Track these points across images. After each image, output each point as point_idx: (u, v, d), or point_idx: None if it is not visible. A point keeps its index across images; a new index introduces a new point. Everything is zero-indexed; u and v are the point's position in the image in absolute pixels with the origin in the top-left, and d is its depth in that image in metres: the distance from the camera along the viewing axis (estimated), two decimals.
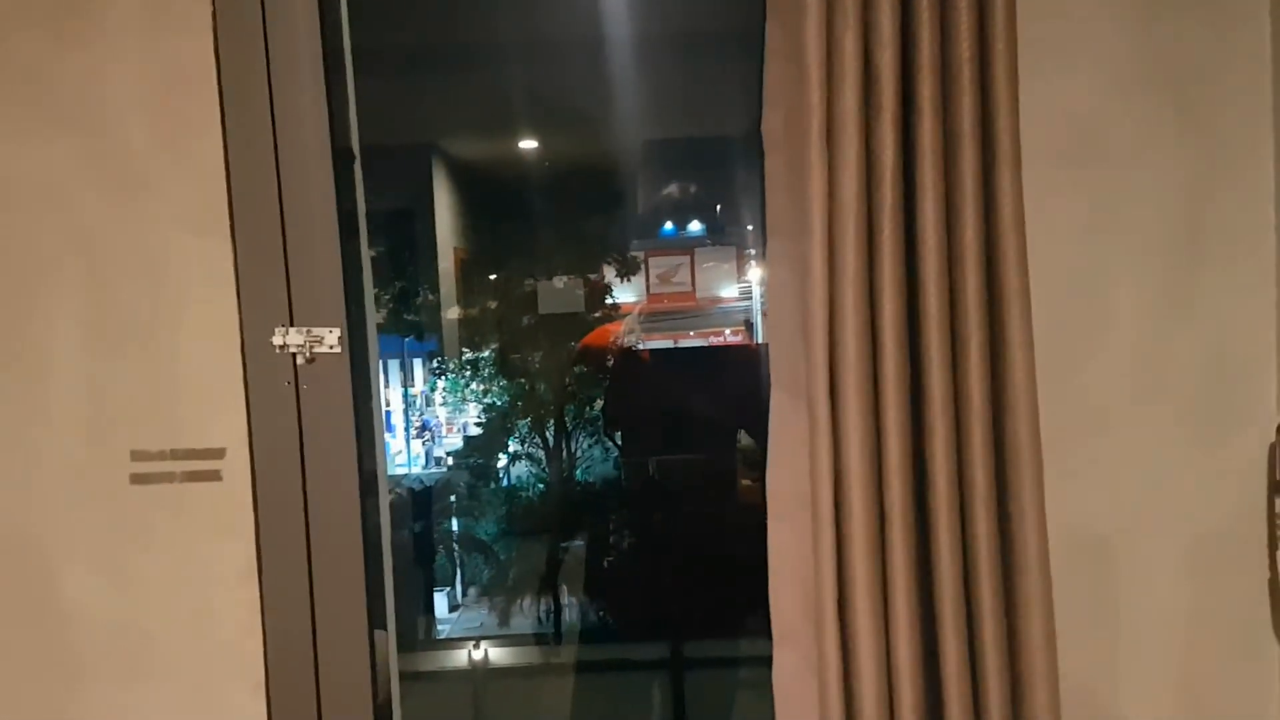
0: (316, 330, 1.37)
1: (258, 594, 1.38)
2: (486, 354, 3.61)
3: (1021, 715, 1.21)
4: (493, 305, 3.61)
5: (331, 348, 1.37)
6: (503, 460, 3.66)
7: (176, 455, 1.37)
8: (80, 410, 1.37)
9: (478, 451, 3.66)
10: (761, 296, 6.25)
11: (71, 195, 1.36)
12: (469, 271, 3.69)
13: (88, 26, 1.34)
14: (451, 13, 2.48)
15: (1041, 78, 1.31)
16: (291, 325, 1.37)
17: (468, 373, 3.62)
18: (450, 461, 3.75)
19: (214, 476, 1.37)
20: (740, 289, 6.38)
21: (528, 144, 3.60)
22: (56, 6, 1.34)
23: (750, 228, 6.42)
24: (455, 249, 3.65)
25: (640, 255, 6.06)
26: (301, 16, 1.34)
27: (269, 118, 1.35)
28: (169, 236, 1.36)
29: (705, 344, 6.15)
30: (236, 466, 1.37)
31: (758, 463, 3.32)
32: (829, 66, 1.18)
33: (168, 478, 1.37)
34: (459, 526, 3.68)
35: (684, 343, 6.13)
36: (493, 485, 3.66)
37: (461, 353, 3.64)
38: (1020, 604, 1.21)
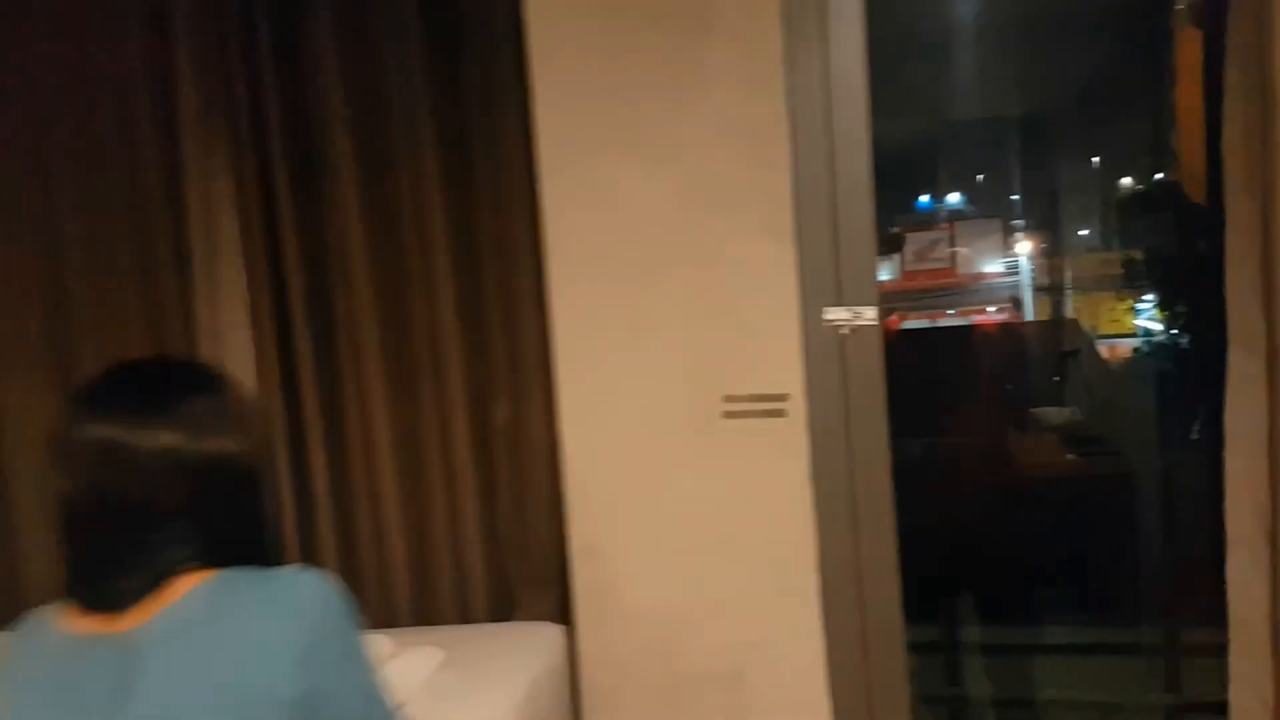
0: (857, 308, 1.87)
1: (811, 497, 1.90)
2: None
3: None
4: None
5: (868, 321, 1.88)
6: None
7: (754, 399, 1.90)
8: (685, 366, 1.92)
9: None
10: (1031, 271, 6.34)
11: (678, 214, 1.91)
12: None
13: (699, 97, 1.88)
14: None
15: None
16: (840, 305, 1.88)
17: None
18: None
19: (780, 414, 1.90)
20: (1006, 264, 6.46)
21: None
22: (676, 81, 1.89)
23: (1016, 197, 6.40)
24: None
25: (897, 230, 6.21)
26: (856, 89, 1.84)
27: (828, 154, 1.86)
28: (748, 242, 1.89)
29: (968, 322, 6.21)
30: (797, 407, 1.89)
31: (1076, 438, 3.53)
32: None
33: (749, 414, 1.90)
34: None
35: (943, 321, 6.21)
36: None
37: None
38: None
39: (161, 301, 2.44)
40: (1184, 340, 3.23)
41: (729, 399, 1.91)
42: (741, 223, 1.89)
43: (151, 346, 2.36)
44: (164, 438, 1.02)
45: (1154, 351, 3.77)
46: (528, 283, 2.06)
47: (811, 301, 1.89)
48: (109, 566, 1.01)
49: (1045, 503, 3.30)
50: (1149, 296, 4.12)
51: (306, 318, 2.26)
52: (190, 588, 1.01)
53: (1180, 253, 3.16)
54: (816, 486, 1.90)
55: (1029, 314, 5.96)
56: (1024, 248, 6.15)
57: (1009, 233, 6.24)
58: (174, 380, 1.11)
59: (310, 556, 2.19)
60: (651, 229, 1.92)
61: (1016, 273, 6.15)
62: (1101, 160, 5.61)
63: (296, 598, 1.01)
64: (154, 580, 1.00)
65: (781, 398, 1.90)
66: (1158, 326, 3.65)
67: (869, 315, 1.88)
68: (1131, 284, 4.57)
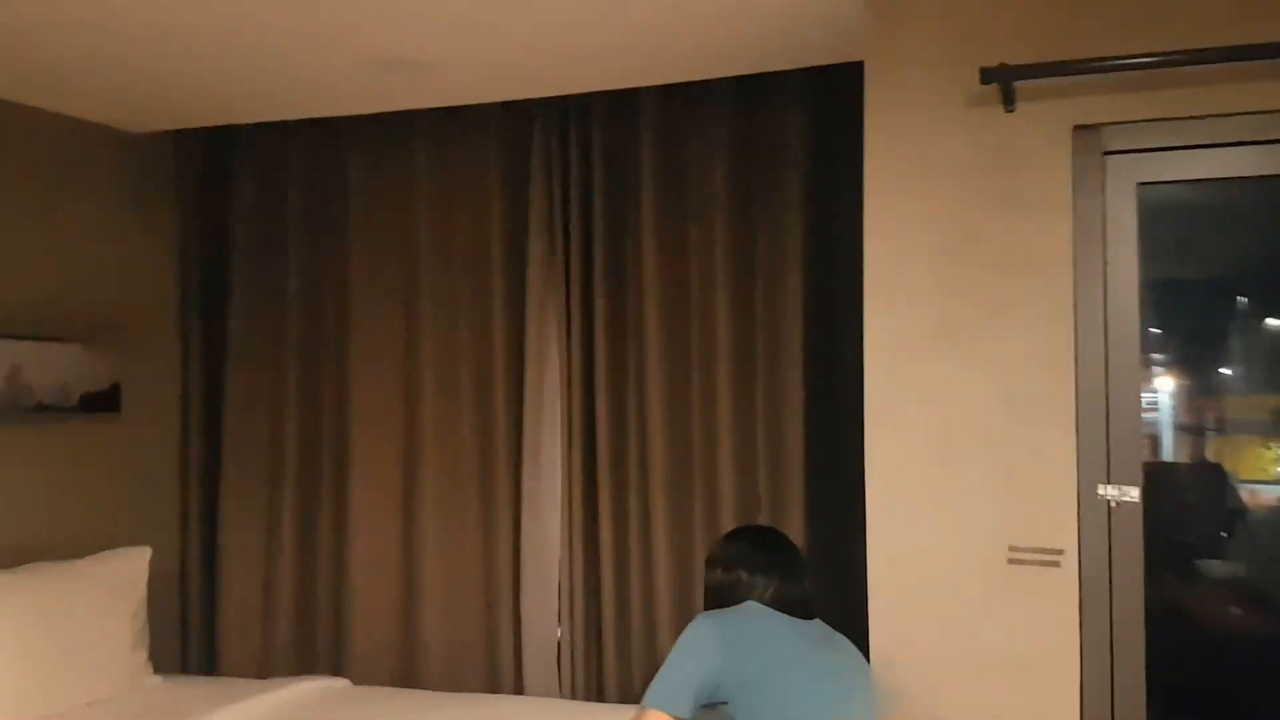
0: (1124, 487, 2.37)
1: (1078, 643, 2.38)
2: None
3: None
4: None
5: (1130, 499, 2.37)
6: None
7: (1035, 550, 2.40)
8: (980, 521, 2.43)
9: None
10: (1173, 409, 6.66)
11: (983, 407, 2.43)
12: None
13: (1007, 321, 2.41)
14: None
15: None
16: (1109, 483, 2.37)
17: None
18: None
19: (1056, 565, 2.38)
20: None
21: None
22: (989, 305, 2.42)
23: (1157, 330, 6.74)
24: None
25: None
26: (1130, 320, 2.35)
27: (1103, 366, 2.37)
28: (1039, 430, 2.40)
29: None
30: (1070, 561, 2.38)
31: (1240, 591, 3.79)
32: None
33: (1029, 562, 2.40)
34: None
35: None
36: None
37: None
38: None
39: (491, 415, 3.57)
40: None
41: (1013, 549, 2.41)
42: (1034, 415, 2.40)
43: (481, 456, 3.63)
44: None
45: None
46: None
47: (1086, 477, 2.38)
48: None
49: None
50: None
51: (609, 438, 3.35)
52: None
53: None
54: (1082, 627, 2.38)
55: (1167, 454, 6.23)
56: (1164, 383, 6.46)
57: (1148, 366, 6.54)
58: None
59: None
60: (959, 416, 2.44)
61: (1155, 409, 6.46)
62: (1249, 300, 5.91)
63: None
64: None
65: (1058, 551, 2.39)
66: None
67: (1133, 494, 2.37)
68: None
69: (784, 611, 2.16)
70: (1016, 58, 2.35)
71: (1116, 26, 2.32)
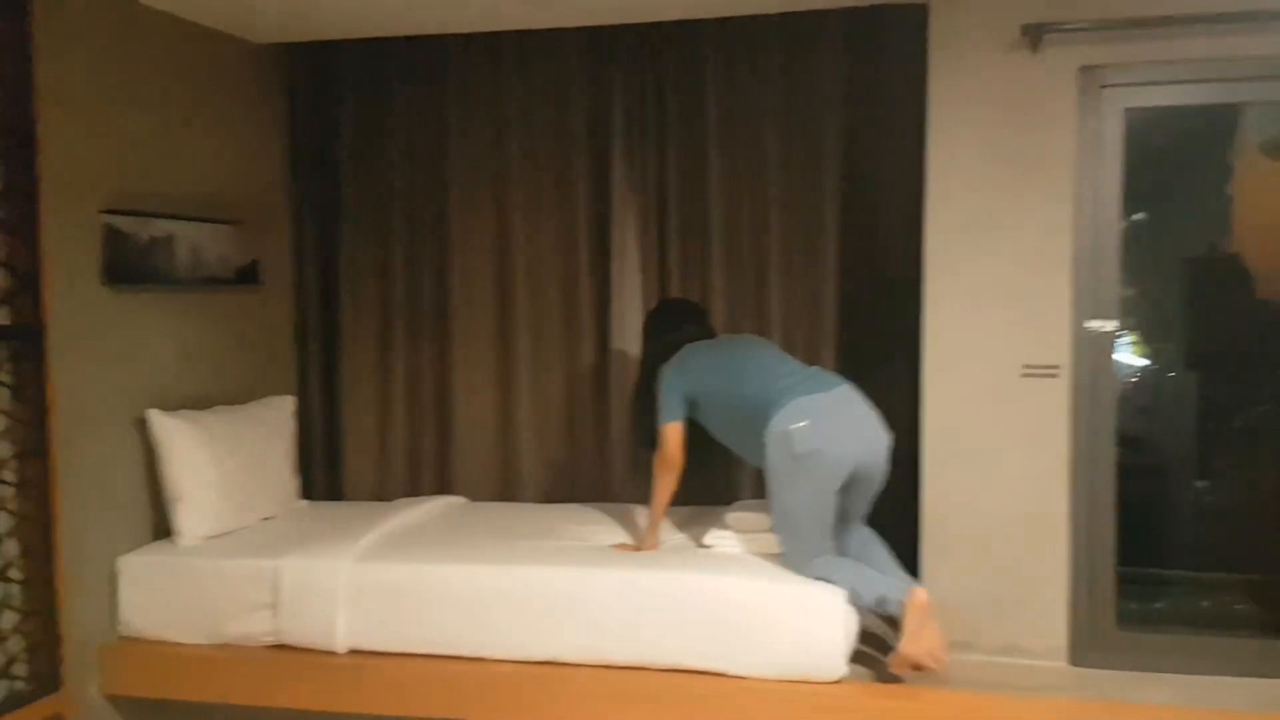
0: (1104, 321, 3.41)
1: (1068, 427, 3.43)
2: None
3: None
4: None
5: (1108, 329, 3.41)
6: None
7: (1041, 366, 3.43)
8: (1006, 348, 3.44)
9: None
10: None
11: (1012, 264, 3.43)
12: None
13: (1028, 205, 3.39)
14: None
15: None
16: (1093, 319, 3.41)
17: None
18: None
19: (1055, 376, 3.42)
20: None
21: None
22: (1018, 190, 3.40)
23: None
24: None
25: None
26: (1112, 202, 3.37)
27: (1094, 233, 3.39)
28: (1050, 278, 3.42)
29: None
30: (1065, 375, 3.42)
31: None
32: None
33: (1036, 375, 3.43)
34: None
35: None
36: None
37: None
38: None
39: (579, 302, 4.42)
40: None
41: (1026, 366, 3.45)
42: (1043, 270, 3.41)
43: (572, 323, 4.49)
44: None
45: None
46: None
47: (1078, 314, 3.42)
48: None
49: None
50: None
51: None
52: None
53: None
54: (1073, 417, 3.44)
55: None
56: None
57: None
58: None
59: None
60: (992, 272, 3.44)
61: None
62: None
63: None
64: None
65: (1057, 366, 3.43)
66: None
67: (1110, 326, 3.42)
68: None
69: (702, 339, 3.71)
70: (1042, 13, 3.29)
71: None
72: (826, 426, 3.29)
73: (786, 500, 3.31)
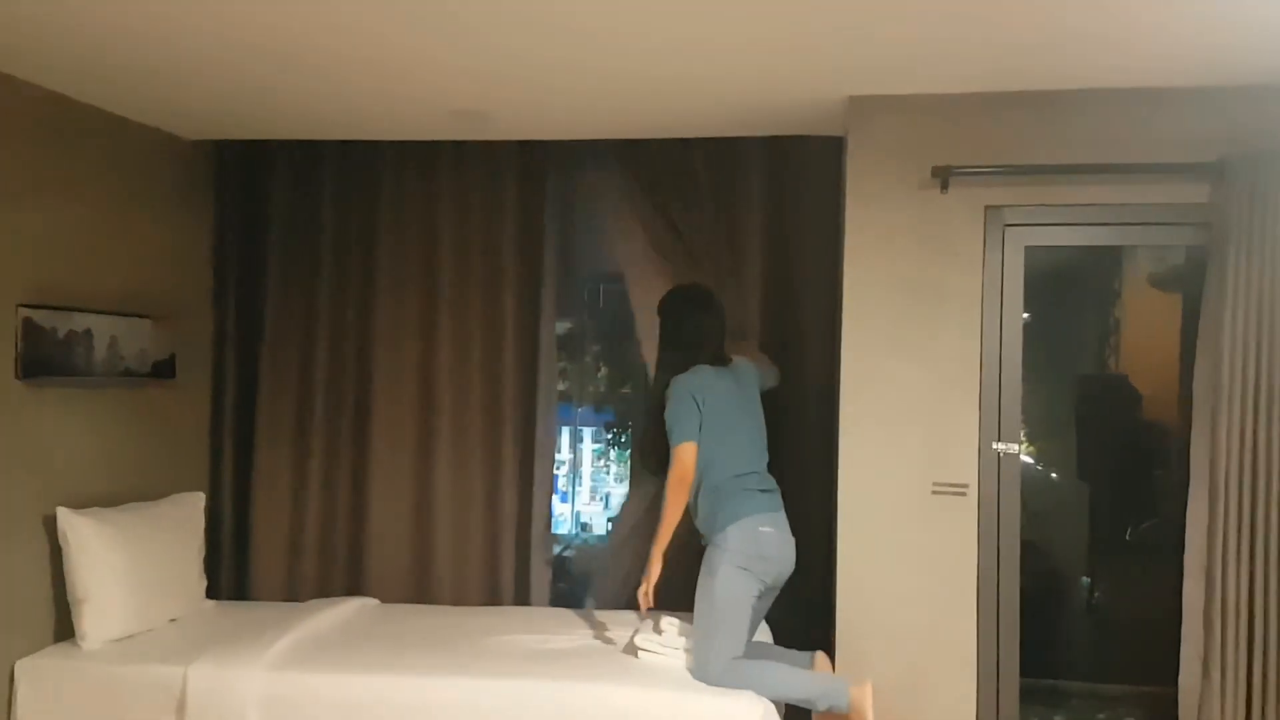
0: (1009, 443, 3.60)
1: (976, 544, 3.59)
2: None
3: None
4: None
5: (1012, 451, 3.60)
6: None
7: (950, 485, 3.59)
8: (916, 467, 3.60)
9: None
10: None
11: (925, 389, 3.61)
12: None
13: (937, 331, 3.59)
14: None
15: None
16: (999, 440, 3.60)
17: None
18: None
19: (963, 494, 3.59)
20: None
21: None
22: (926, 321, 3.59)
23: None
24: None
25: None
26: (1014, 336, 3.60)
27: (996, 363, 3.59)
28: (958, 404, 3.60)
29: None
30: (972, 493, 3.59)
31: None
32: None
33: (946, 493, 3.59)
34: None
35: None
36: None
37: None
38: None
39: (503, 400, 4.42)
40: None
41: (935, 483, 3.61)
42: (952, 395, 3.60)
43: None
44: None
45: None
46: None
47: (985, 436, 3.60)
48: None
49: None
50: None
51: None
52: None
53: None
54: (979, 535, 3.60)
55: None
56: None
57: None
58: None
59: None
60: (903, 396, 3.62)
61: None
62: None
63: None
64: None
65: (965, 485, 3.60)
66: None
67: (1014, 448, 3.61)
68: None
69: (715, 365, 3.63)
70: (952, 156, 3.53)
71: (1018, 141, 3.54)
72: (778, 540, 3.48)
73: (721, 592, 3.39)
